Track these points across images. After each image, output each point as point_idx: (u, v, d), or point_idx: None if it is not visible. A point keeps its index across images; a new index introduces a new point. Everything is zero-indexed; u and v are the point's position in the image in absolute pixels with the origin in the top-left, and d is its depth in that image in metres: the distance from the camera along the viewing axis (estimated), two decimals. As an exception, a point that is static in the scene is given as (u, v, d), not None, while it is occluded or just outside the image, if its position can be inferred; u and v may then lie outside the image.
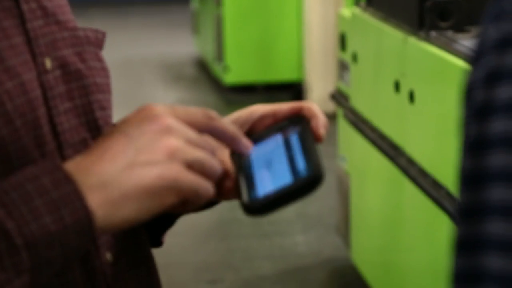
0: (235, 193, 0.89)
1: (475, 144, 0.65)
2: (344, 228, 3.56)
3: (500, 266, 0.62)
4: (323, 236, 3.98)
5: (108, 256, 0.90)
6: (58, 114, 0.87)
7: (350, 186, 3.43)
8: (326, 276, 3.63)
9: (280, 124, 0.92)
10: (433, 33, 2.63)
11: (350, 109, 3.35)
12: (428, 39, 2.62)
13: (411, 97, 2.69)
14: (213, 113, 0.84)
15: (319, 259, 3.77)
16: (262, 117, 0.94)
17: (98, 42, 0.97)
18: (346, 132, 3.42)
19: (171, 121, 0.80)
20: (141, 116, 0.81)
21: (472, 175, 0.65)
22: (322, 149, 0.89)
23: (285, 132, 0.90)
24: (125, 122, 0.81)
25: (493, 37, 0.67)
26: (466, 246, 0.64)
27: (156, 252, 1.00)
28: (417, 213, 2.71)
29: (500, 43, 0.66)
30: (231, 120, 0.95)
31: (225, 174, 0.90)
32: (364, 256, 3.34)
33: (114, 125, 0.83)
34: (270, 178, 0.85)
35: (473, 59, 0.69)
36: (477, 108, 0.66)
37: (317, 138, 0.90)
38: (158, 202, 0.79)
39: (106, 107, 0.94)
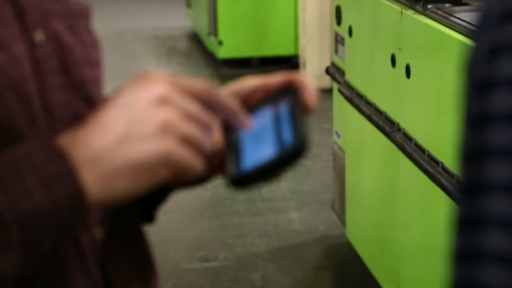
0: (222, 166, 0.89)
1: (476, 120, 0.65)
2: (339, 205, 3.56)
3: (500, 243, 0.63)
4: (318, 213, 3.98)
5: (100, 233, 0.89)
6: (50, 88, 0.86)
7: (345, 162, 3.42)
8: (321, 253, 3.63)
9: (270, 97, 0.92)
10: (430, 6, 2.61)
11: (346, 84, 3.33)
12: (425, 13, 2.60)
13: (408, 71, 2.68)
14: (214, 86, 0.84)
15: (314, 236, 3.78)
16: (254, 90, 0.94)
17: (87, 15, 0.96)
18: (341, 108, 3.41)
19: (168, 90, 0.80)
20: (139, 84, 0.80)
21: (474, 151, 0.65)
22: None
23: (275, 105, 0.90)
24: (122, 91, 0.81)
25: (496, 12, 0.67)
26: (467, 224, 0.65)
27: (149, 229, 0.99)
28: (413, 189, 2.71)
29: (503, 18, 0.66)
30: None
31: (216, 149, 0.90)
32: (359, 232, 3.34)
33: (112, 94, 0.82)
34: (256, 152, 0.85)
35: (475, 34, 0.69)
36: (479, 83, 0.66)
37: (306, 109, 0.89)
38: (150, 177, 0.78)
39: (98, 81, 0.94)
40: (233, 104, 0.86)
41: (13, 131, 0.81)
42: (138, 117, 0.79)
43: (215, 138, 0.90)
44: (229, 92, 0.94)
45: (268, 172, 0.84)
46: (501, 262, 0.62)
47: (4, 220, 0.74)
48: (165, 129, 0.78)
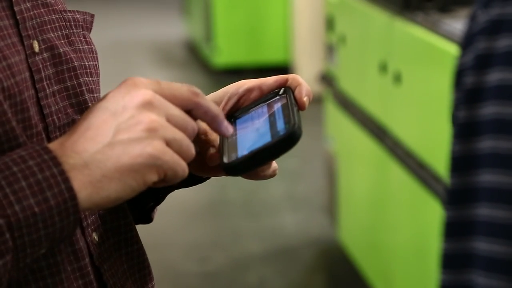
0: (218, 159, 0.90)
1: (465, 128, 0.65)
2: (331, 209, 3.58)
3: (487, 250, 0.63)
4: (311, 217, 3.99)
5: (95, 236, 0.90)
6: (46, 97, 0.87)
7: (337, 167, 3.44)
8: (314, 256, 3.64)
9: (265, 97, 0.94)
10: (419, 14, 2.63)
11: (338, 90, 3.35)
12: (413, 20, 2.62)
13: (397, 78, 2.69)
14: (198, 90, 0.84)
15: (307, 239, 3.78)
16: (249, 90, 0.95)
17: (86, 24, 0.97)
18: (334, 114, 3.43)
19: (153, 95, 0.80)
20: (124, 89, 0.80)
21: (462, 159, 0.65)
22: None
23: (270, 104, 0.92)
24: (108, 96, 0.81)
25: (482, 21, 0.67)
26: (455, 230, 0.65)
27: (145, 232, 1.00)
28: (403, 193, 2.72)
29: (489, 27, 0.66)
30: (218, 95, 0.96)
31: (208, 143, 0.92)
32: (352, 236, 3.34)
33: (98, 100, 0.83)
34: (251, 142, 0.87)
35: (463, 43, 0.69)
36: (468, 91, 0.66)
37: (300, 106, 0.91)
38: (139, 180, 0.78)
39: (94, 90, 0.94)
40: (215, 109, 0.85)
41: (10, 138, 0.81)
42: (125, 122, 0.79)
43: (203, 132, 0.92)
44: (220, 93, 0.95)
45: (261, 157, 0.85)
46: (487, 267, 0.62)
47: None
48: (151, 132, 0.78)
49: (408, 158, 2.61)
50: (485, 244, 0.63)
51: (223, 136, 0.90)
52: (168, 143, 0.79)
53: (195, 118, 0.84)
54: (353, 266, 3.31)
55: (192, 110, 0.83)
